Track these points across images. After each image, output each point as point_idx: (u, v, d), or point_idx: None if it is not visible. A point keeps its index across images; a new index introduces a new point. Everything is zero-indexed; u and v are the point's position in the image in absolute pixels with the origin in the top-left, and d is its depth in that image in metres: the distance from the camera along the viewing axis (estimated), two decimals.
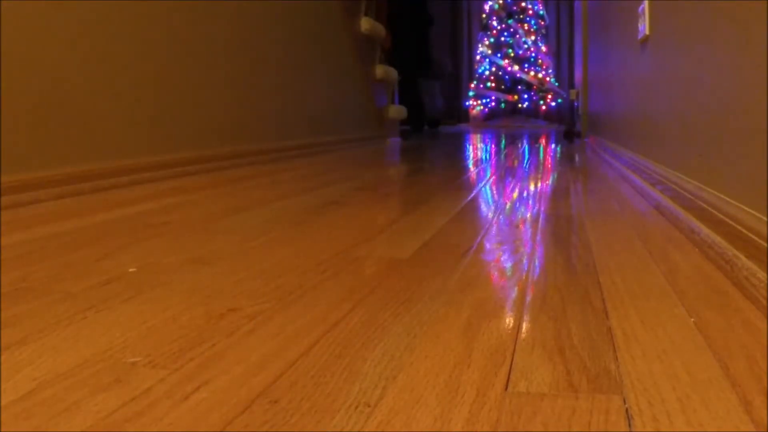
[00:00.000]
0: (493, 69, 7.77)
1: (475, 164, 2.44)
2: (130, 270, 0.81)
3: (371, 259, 0.85)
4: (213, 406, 0.43)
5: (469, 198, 1.46)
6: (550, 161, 2.53)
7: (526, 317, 0.61)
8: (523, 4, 7.80)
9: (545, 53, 7.82)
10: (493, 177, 1.94)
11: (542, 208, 1.29)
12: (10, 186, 1.38)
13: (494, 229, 1.08)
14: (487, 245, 0.94)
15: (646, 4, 1.65)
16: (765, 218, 0.71)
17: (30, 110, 1.48)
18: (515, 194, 1.53)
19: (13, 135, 1.43)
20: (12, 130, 1.43)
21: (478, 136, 5.33)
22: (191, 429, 0.40)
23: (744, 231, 0.74)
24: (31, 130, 1.48)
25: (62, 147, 1.57)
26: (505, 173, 2.06)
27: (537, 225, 1.11)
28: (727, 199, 0.88)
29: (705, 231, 0.86)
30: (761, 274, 0.62)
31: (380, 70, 4.27)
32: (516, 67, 7.69)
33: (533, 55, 7.72)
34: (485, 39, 7.87)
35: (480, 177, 1.94)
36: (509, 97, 7.73)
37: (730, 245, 0.74)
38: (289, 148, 2.86)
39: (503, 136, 5.24)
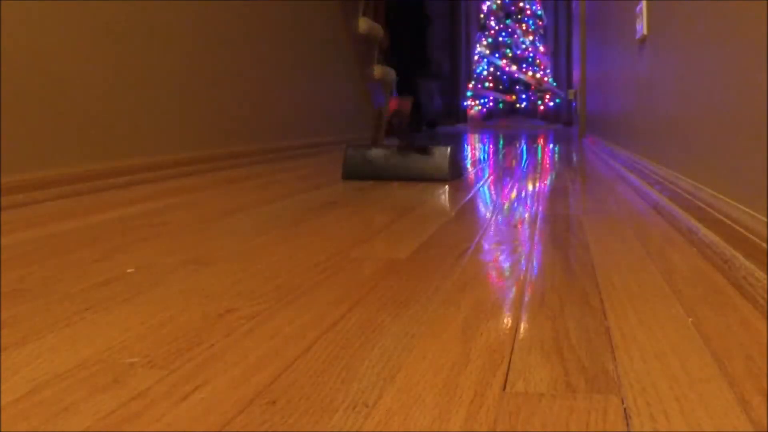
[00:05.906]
0: (491, 69, 7.78)
1: (473, 164, 2.44)
2: (129, 270, 0.81)
3: (369, 260, 0.85)
4: (211, 407, 0.43)
5: (467, 198, 1.46)
6: (548, 161, 2.54)
7: (524, 317, 0.61)
8: (521, 4, 7.81)
9: (543, 53, 7.83)
10: (492, 177, 1.94)
11: (540, 208, 1.29)
12: (10, 186, 1.38)
13: (492, 229, 1.08)
14: (486, 245, 0.94)
15: (643, 4, 1.65)
16: (763, 218, 0.71)
17: (30, 110, 1.48)
18: (513, 194, 1.53)
19: (13, 135, 1.43)
20: (12, 130, 1.43)
21: (476, 136, 5.33)
22: (189, 429, 0.40)
23: (742, 231, 0.74)
24: (30, 131, 1.48)
25: (61, 147, 1.57)
26: (503, 173, 2.06)
27: (535, 225, 1.11)
28: (725, 199, 0.88)
29: (703, 231, 0.86)
30: (759, 274, 0.62)
31: (378, 71, 4.27)
32: (514, 67, 7.69)
33: (531, 55, 7.72)
34: (483, 39, 7.88)
35: (478, 177, 1.94)
36: (507, 97, 7.73)
37: (729, 245, 0.74)
38: (287, 149, 2.85)
39: (501, 136, 5.24)
